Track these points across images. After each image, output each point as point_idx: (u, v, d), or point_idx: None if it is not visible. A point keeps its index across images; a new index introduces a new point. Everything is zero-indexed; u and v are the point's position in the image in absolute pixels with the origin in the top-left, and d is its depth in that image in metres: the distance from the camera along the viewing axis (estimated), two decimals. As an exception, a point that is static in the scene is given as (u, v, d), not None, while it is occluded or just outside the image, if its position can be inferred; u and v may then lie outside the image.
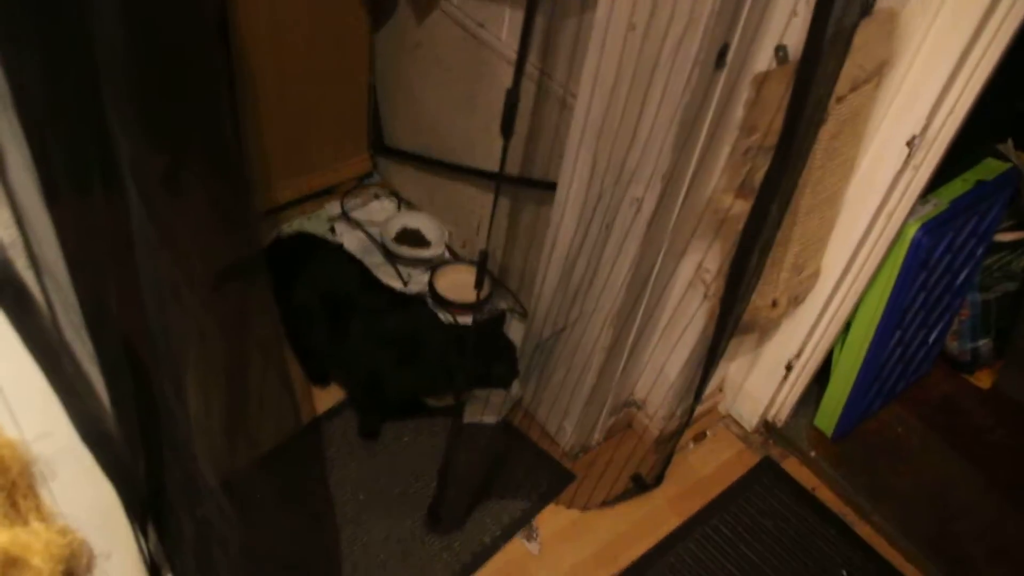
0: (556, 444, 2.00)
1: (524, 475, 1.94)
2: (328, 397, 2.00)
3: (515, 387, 2.00)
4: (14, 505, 0.98)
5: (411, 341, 1.80)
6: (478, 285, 1.33)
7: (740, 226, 1.46)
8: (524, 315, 2.08)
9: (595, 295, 1.65)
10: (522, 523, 1.85)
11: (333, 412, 1.97)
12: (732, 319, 1.60)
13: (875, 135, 1.60)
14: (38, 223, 0.79)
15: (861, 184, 1.66)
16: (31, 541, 1.00)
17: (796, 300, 1.79)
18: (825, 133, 1.45)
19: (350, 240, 2.29)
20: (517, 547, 1.82)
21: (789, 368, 1.97)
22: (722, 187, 1.51)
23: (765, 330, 1.93)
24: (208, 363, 1.07)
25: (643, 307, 1.70)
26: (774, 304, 1.70)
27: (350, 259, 2.01)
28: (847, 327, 1.95)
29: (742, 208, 1.47)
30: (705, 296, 1.69)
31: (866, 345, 1.95)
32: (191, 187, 1.02)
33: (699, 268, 1.68)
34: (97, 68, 0.78)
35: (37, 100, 0.74)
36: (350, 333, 1.82)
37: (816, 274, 1.77)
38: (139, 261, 0.90)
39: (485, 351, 1.76)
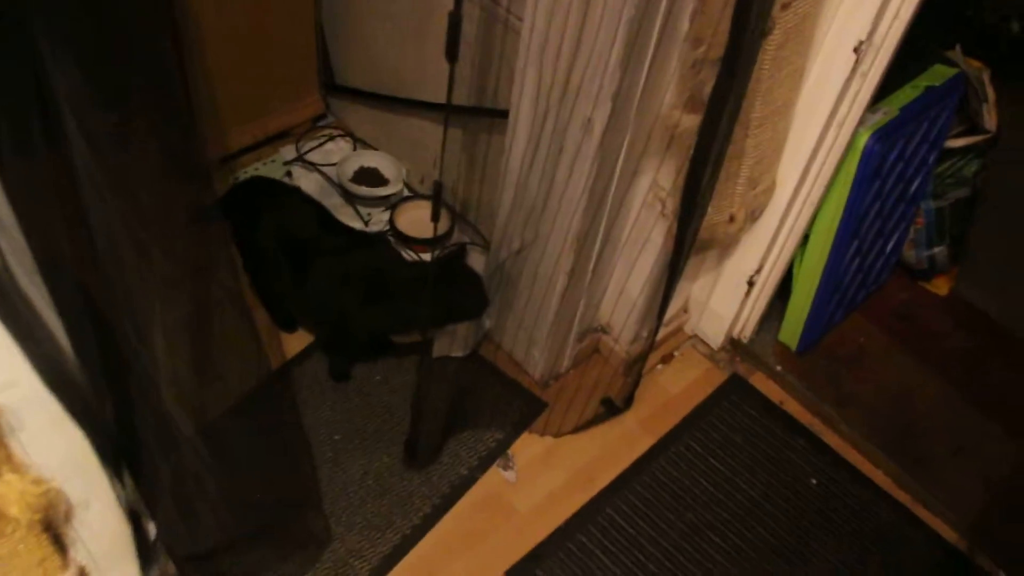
0: (526, 373, 2.02)
1: (497, 406, 1.96)
2: (296, 341, 2.00)
3: (485, 319, 2.02)
4: (-17, 456, 0.98)
5: (375, 280, 1.79)
6: (434, 218, 1.33)
7: (691, 141, 1.46)
8: (487, 247, 2.08)
9: (550, 217, 1.65)
10: (498, 453, 1.87)
11: (303, 356, 1.98)
12: (689, 236, 1.61)
13: (822, 42, 1.61)
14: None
15: (811, 94, 1.67)
16: (6, 492, 1.00)
17: (753, 215, 1.81)
18: (772, 42, 1.45)
19: (307, 183, 2.27)
20: (494, 477, 1.84)
21: (751, 284, 2.00)
22: (671, 102, 1.51)
23: (724, 246, 1.95)
24: (169, 310, 1.06)
25: (601, 229, 1.71)
26: (731, 219, 1.72)
27: (307, 200, 1.99)
28: (805, 240, 1.97)
29: (692, 123, 1.48)
30: (662, 214, 1.71)
31: (824, 257, 1.98)
32: (140, 137, 1.00)
33: (653, 186, 1.68)
34: (33, 19, 0.76)
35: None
36: (312, 275, 1.81)
37: (772, 187, 1.79)
38: (89, 212, 0.89)
39: (450, 285, 1.76)
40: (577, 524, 1.79)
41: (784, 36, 1.47)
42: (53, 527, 1.17)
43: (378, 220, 2.20)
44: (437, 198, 1.28)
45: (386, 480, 1.79)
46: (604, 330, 2.06)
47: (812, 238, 1.97)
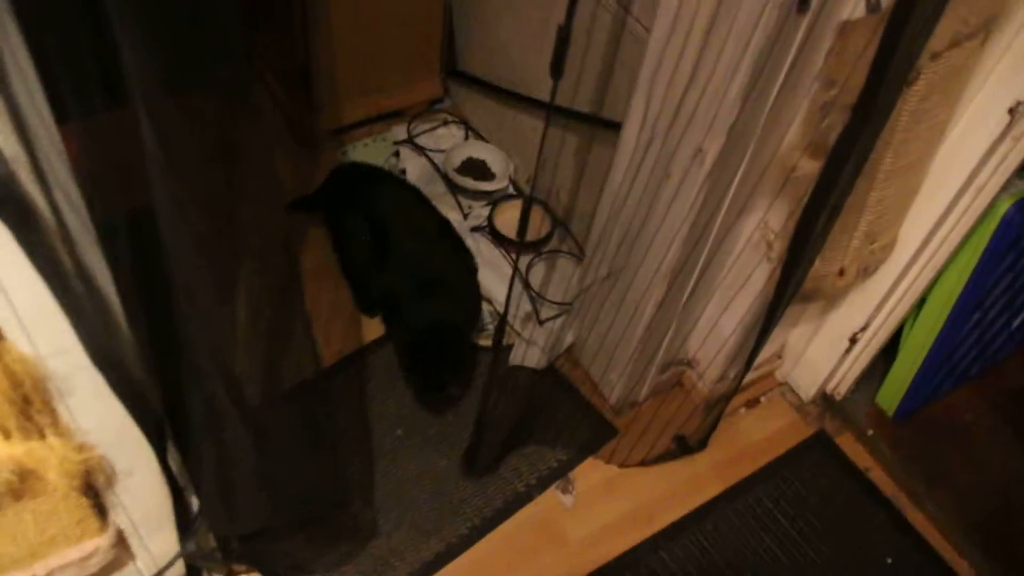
0: (601, 397, 1.94)
1: (565, 425, 1.89)
2: (376, 327, 1.98)
3: (568, 334, 1.95)
4: (30, 419, 0.97)
5: (433, 278, 1.81)
6: (523, 218, 1.26)
7: (808, 187, 1.36)
8: (581, 258, 2.01)
9: (645, 243, 1.57)
10: (558, 474, 1.81)
11: (379, 343, 1.96)
12: (793, 284, 1.51)
13: (973, 99, 1.48)
14: (45, 137, 0.76)
15: (951, 152, 1.54)
16: (47, 455, 1.00)
17: (866, 271, 1.69)
18: (914, 94, 1.33)
19: (413, 166, 2.24)
20: (551, 498, 1.78)
21: (853, 341, 1.87)
22: (792, 143, 1.41)
23: (830, 299, 1.83)
24: (228, 291, 1.04)
25: (699, 263, 1.62)
26: (841, 273, 1.60)
27: (405, 188, 1.99)
28: (921, 303, 1.83)
29: (811, 168, 1.38)
30: (767, 256, 1.60)
31: (940, 324, 1.83)
32: (205, 117, 0.97)
33: (761, 226, 1.58)
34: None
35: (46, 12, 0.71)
36: (388, 261, 1.81)
37: (891, 245, 1.66)
38: (152, 186, 0.86)
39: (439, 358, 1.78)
40: (628, 563, 1.71)
41: (928, 88, 1.35)
42: (94, 490, 1.17)
43: (478, 214, 2.16)
44: (526, 212, 1.22)
45: (441, 484, 1.75)
46: (689, 364, 1.97)
47: (929, 303, 1.83)
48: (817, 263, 1.55)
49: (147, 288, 0.96)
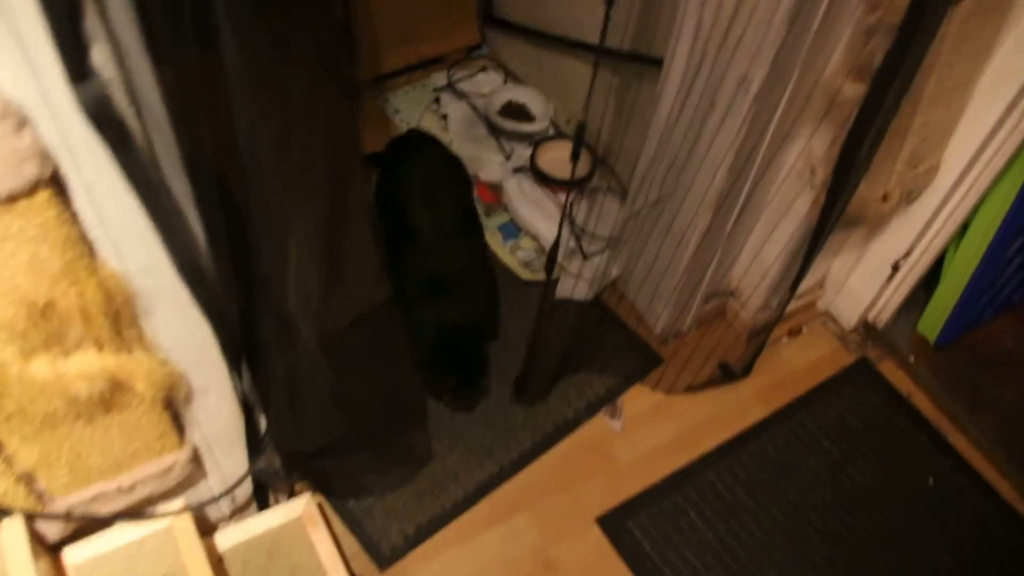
0: (647, 327, 1.99)
1: (612, 354, 1.95)
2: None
3: (613, 268, 2.00)
4: (119, 333, 1.04)
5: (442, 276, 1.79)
6: (574, 156, 1.30)
7: (852, 111, 1.38)
8: (624, 196, 2.05)
9: (692, 172, 1.60)
10: (606, 401, 1.87)
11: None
12: (837, 210, 1.53)
13: (1021, 18, 1.48)
14: (138, 61, 0.81)
15: (997, 73, 1.54)
16: (135, 368, 1.07)
17: (910, 195, 1.71)
18: (959, 13, 1.34)
19: (454, 111, 2.28)
20: (600, 424, 1.84)
21: (896, 268, 1.90)
22: (836, 68, 1.43)
23: (873, 225, 1.85)
24: (304, 217, 1.09)
25: (744, 191, 1.64)
26: (885, 198, 1.62)
27: (437, 163, 1.97)
28: (964, 228, 1.85)
29: (856, 92, 1.40)
30: (810, 183, 1.63)
31: (983, 250, 1.85)
32: (294, 46, 1.02)
33: (805, 152, 1.61)
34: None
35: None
36: (401, 249, 1.81)
37: (934, 169, 1.68)
38: (236, 112, 0.91)
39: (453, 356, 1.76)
40: (676, 483, 1.77)
41: (976, 5, 1.36)
42: (174, 407, 1.24)
43: (519, 156, 2.19)
44: (579, 139, 1.26)
45: (492, 411, 1.82)
46: (732, 294, 2.01)
47: (972, 228, 1.84)
48: (861, 188, 1.58)
49: (226, 210, 1.01)
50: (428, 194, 1.85)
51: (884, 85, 1.30)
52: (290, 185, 1.01)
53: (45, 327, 0.93)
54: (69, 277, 0.89)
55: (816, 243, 1.61)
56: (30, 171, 0.77)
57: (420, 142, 2.03)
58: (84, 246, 0.89)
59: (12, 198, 0.79)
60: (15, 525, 1.18)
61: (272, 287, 1.12)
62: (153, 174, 0.89)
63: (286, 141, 0.99)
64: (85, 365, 1.00)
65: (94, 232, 0.90)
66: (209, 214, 0.99)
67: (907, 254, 1.86)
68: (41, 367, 0.97)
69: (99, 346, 1.00)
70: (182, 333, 1.11)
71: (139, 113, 0.83)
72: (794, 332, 2.07)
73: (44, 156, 0.78)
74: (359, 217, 1.18)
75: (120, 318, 1.00)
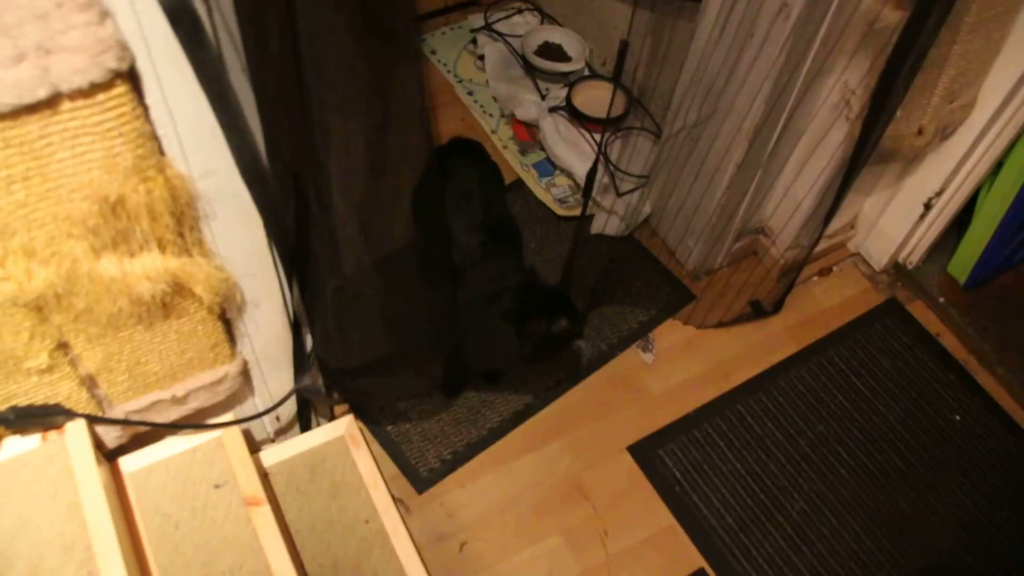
0: (678, 263, 2.02)
1: (645, 289, 1.98)
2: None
3: (646, 206, 2.02)
4: (181, 236, 1.07)
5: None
6: (616, 76, 1.32)
7: (890, 39, 1.39)
8: (658, 136, 2.06)
9: (728, 101, 1.62)
10: (639, 334, 1.90)
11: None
12: (871, 143, 1.55)
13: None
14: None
15: (1036, 7, 1.55)
16: (195, 271, 1.11)
17: (944, 131, 1.71)
18: (1001, -59, 1.35)
19: (491, 52, 2.29)
20: (632, 356, 1.88)
21: (928, 207, 1.91)
22: (878, -7, 1.43)
23: (906, 162, 1.86)
24: (363, 127, 1.12)
25: (780, 124, 1.66)
26: (920, 132, 1.63)
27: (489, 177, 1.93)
28: (998, 168, 1.86)
29: (895, 19, 1.41)
30: (846, 117, 1.64)
31: (1016, 191, 1.85)
32: None
33: (841, 84, 1.62)
34: None
35: None
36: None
37: (971, 104, 1.69)
38: (297, 23, 0.94)
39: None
40: (706, 414, 1.81)
41: (1017, -66, 1.36)
42: (227, 318, 1.28)
43: (555, 95, 2.21)
44: (621, 57, 1.28)
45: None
46: (764, 232, 2.03)
47: (1006, 166, 1.84)
48: (895, 122, 1.59)
49: (286, 118, 1.04)
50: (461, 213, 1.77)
51: (926, 11, 1.31)
52: (350, 92, 1.04)
53: (115, 224, 0.97)
54: (139, 174, 0.93)
55: (849, 178, 1.62)
56: (110, 62, 0.80)
57: (461, 153, 1.96)
58: (154, 143, 0.93)
59: (92, 90, 0.82)
60: (79, 428, 1.24)
61: (327, 200, 1.15)
62: (222, 74, 0.93)
63: (348, 47, 1.01)
64: (149, 265, 1.04)
65: (163, 130, 0.94)
66: (270, 120, 1.02)
67: (939, 192, 1.87)
68: (109, 265, 1.01)
69: (162, 248, 1.04)
70: (239, 240, 1.15)
71: (211, 12, 0.87)
72: (824, 272, 2.09)
73: (123, 47, 0.81)
74: (418, 132, 1.20)
75: (183, 220, 1.04)
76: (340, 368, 1.46)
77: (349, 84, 1.02)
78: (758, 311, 1.97)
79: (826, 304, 2.03)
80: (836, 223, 1.99)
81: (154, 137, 0.93)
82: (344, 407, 1.70)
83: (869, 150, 1.57)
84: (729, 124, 1.65)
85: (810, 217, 1.85)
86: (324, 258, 1.24)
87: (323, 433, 1.56)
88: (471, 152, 1.98)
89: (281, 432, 1.60)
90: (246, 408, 1.49)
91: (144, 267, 1.04)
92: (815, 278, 2.07)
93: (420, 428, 1.73)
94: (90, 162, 0.89)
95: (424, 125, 1.17)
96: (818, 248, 1.97)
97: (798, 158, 1.78)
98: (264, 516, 1.33)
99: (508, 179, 2.14)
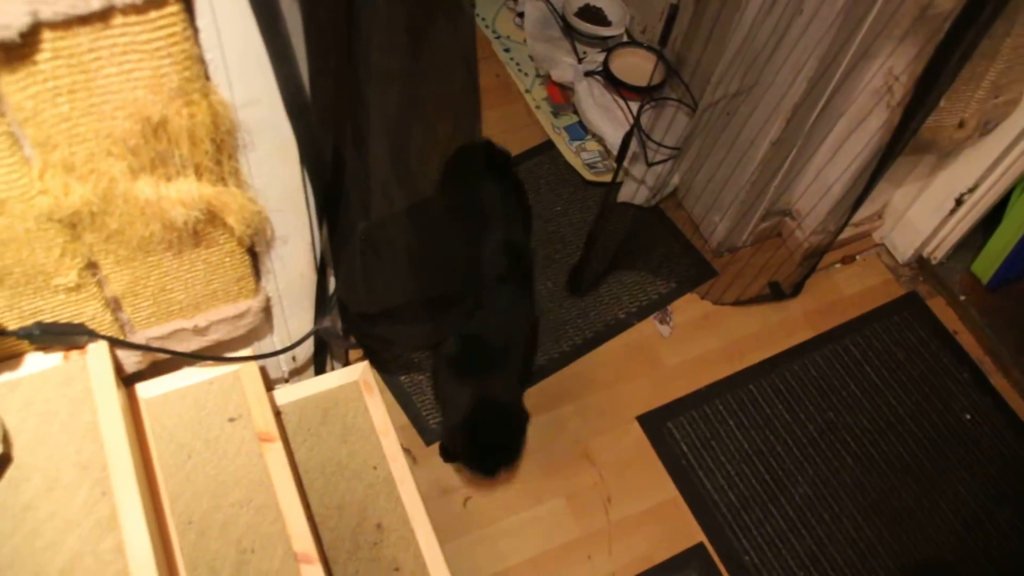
0: (702, 239, 2.01)
1: (666, 261, 1.97)
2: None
3: (674, 177, 2.01)
4: (219, 164, 1.07)
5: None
6: (662, 41, 1.30)
7: (941, 25, 1.37)
8: (693, 109, 2.05)
9: (769, 77, 1.60)
10: (658, 306, 1.90)
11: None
12: (910, 132, 1.53)
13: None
14: None
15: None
16: (229, 201, 1.10)
17: (986, 126, 1.70)
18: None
19: (531, 10, 2.27)
20: (649, 327, 1.88)
21: (959, 203, 1.89)
22: (934, -23, 1.41)
23: (943, 154, 1.84)
24: (407, 69, 1.10)
25: (819, 104, 1.64)
26: (961, 125, 1.62)
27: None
28: (1034, 169, 1.84)
29: (951, 5, 1.38)
30: (887, 103, 1.62)
31: (1050, 193, 1.85)
32: None
33: (886, 69, 1.60)
34: None
35: None
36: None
37: (1015, 101, 1.66)
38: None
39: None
40: (717, 391, 1.81)
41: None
42: (255, 252, 1.28)
43: (592, 59, 2.19)
44: (670, 21, 1.26)
45: (545, 304, 1.86)
46: (790, 214, 2.01)
47: (1042, 168, 1.83)
48: (937, 112, 1.57)
49: (331, 58, 1.03)
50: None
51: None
52: (399, 33, 1.03)
53: (155, 146, 0.96)
54: (184, 97, 0.92)
55: (883, 166, 1.61)
56: (165, -22, 0.79)
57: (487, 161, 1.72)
58: (200, 67, 0.92)
59: (145, 6, 0.81)
60: (101, 349, 1.24)
61: (367, 140, 1.15)
62: (274, 2, 0.92)
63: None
64: (185, 191, 1.04)
65: (211, 54, 0.93)
66: (317, 53, 1.01)
67: (972, 189, 1.85)
68: (145, 187, 1.01)
69: (199, 174, 1.04)
70: (275, 174, 1.14)
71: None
72: (847, 260, 2.08)
73: (179, -36, 0.80)
74: (464, 81, 1.18)
75: (222, 148, 1.03)
76: (361, 313, 1.46)
77: (399, 24, 1.01)
78: (777, 293, 1.96)
79: (846, 292, 2.02)
80: (864, 211, 1.98)
81: (201, 61, 0.92)
82: (359, 353, 1.70)
83: (907, 139, 1.55)
84: (768, 99, 1.64)
85: (839, 202, 1.84)
86: (356, 200, 1.24)
87: (337, 377, 1.57)
88: (498, 163, 1.77)
89: (296, 373, 1.61)
90: (264, 346, 1.50)
91: (180, 192, 1.03)
92: (837, 265, 2.06)
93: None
94: (136, 80, 0.88)
95: (471, 75, 1.16)
96: (843, 235, 1.96)
97: (833, 141, 1.76)
98: (275, 453, 1.34)
99: (538, 141, 2.13)
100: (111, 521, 1.13)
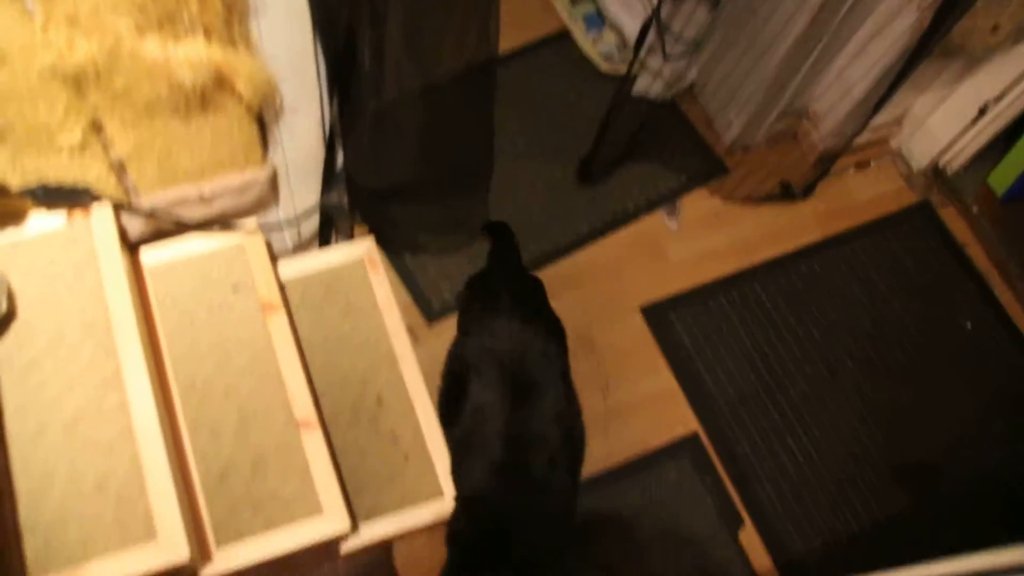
0: (715, 135, 1.98)
1: (677, 156, 1.95)
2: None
3: (691, 72, 1.96)
4: (229, 27, 1.04)
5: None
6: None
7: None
8: (715, 2, 1.98)
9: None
10: (667, 199, 1.89)
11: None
12: (940, 33, 1.49)
13: None
14: None
15: None
16: (239, 65, 1.08)
17: (1020, 33, 1.64)
18: None
19: None
20: (656, 221, 1.87)
21: (982, 112, 1.85)
22: None
23: (972, 58, 1.79)
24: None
25: (847, 2, 1.59)
26: (995, 29, 1.57)
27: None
28: (1063, 79, 1.79)
29: None
30: (917, 6, 1.57)
31: (1075, 105, 1.80)
32: None
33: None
34: None
35: None
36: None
37: (1052, 6, 1.61)
38: None
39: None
40: (723, 287, 1.82)
41: None
42: (263, 121, 1.26)
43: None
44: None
45: (554, 192, 1.84)
46: (807, 115, 1.97)
47: (1072, 79, 1.78)
48: (971, 14, 1.52)
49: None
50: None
51: None
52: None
53: (163, 4, 0.94)
54: (193, -49, 0.89)
55: (907, 69, 1.57)
56: None
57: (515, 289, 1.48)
58: (211, -81, 0.89)
59: None
60: (105, 212, 1.24)
61: (384, 11, 1.11)
62: None
63: None
64: (193, 52, 1.02)
65: (221, -93, 0.90)
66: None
67: (999, 97, 1.81)
68: (153, 47, 0.99)
69: (208, 36, 1.01)
70: (287, 41, 1.12)
71: None
72: (861, 165, 2.05)
73: None
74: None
75: (232, 9, 1.01)
76: (369, 189, 1.45)
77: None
78: (788, 193, 1.94)
79: (858, 197, 2.00)
80: (883, 116, 1.93)
81: (213, -87, 0.89)
82: (364, 231, 1.70)
83: (936, 41, 1.51)
84: (794, -4, 1.58)
85: (859, 105, 1.80)
86: (369, 73, 1.21)
87: (342, 252, 1.56)
88: (528, 295, 1.49)
89: (301, 247, 1.60)
90: (270, 218, 1.49)
91: (188, 53, 1.01)
92: (851, 170, 2.03)
93: (437, 262, 1.73)
94: (146, -70, 0.85)
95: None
96: (859, 140, 1.92)
97: (859, 41, 1.71)
98: (279, 323, 1.35)
99: (554, 29, 2.07)
100: (115, 380, 1.15)
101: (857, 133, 1.80)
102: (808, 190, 1.94)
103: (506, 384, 1.28)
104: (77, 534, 1.07)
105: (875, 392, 1.77)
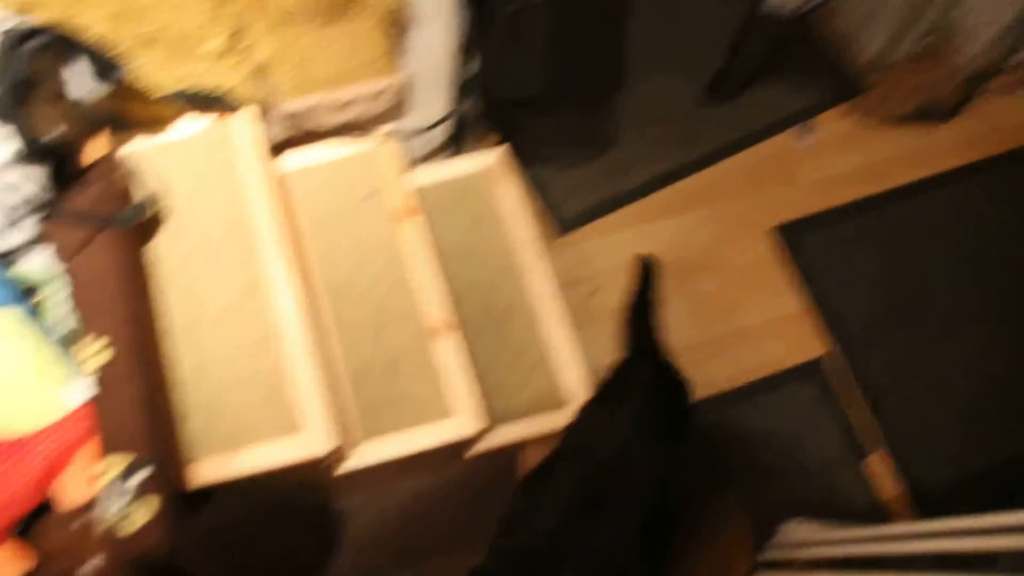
0: (853, 54, 1.89)
1: (811, 75, 1.88)
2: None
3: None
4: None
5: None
6: None
7: None
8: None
9: None
10: (799, 119, 1.83)
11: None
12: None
13: None
14: None
15: None
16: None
17: None
18: None
19: None
20: (787, 141, 1.81)
21: None
22: None
23: None
24: None
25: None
26: None
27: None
28: None
29: None
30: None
31: None
32: None
33: None
34: None
35: None
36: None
37: None
38: None
39: None
40: (857, 210, 1.76)
41: None
42: (396, 31, 1.26)
43: None
44: None
45: (680, 106, 1.80)
46: (953, 32, 1.86)
47: None
48: None
49: None
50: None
51: None
52: None
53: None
54: None
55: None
56: None
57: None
58: None
59: None
60: (248, 116, 1.26)
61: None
62: None
63: None
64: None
65: None
66: None
67: None
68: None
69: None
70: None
71: None
72: (1012, 87, 1.93)
73: None
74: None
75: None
76: (502, 98, 1.44)
77: None
78: (929, 115, 1.85)
79: (1007, 122, 1.89)
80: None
81: None
82: (495, 141, 1.69)
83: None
84: None
85: (1011, 24, 1.69)
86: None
87: (473, 161, 1.56)
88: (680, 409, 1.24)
89: (432, 154, 1.61)
90: (403, 126, 1.50)
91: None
92: (999, 93, 1.92)
93: (568, 174, 1.72)
94: None
95: None
96: (1014, 60, 1.81)
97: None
98: (410, 230, 1.37)
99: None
100: (260, 280, 1.18)
101: (1007, 54, 1.70)
102: (951, 113, 1.85)
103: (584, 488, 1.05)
104: (230, 424, 1.11)
105: (1000, 332, 1.69)
